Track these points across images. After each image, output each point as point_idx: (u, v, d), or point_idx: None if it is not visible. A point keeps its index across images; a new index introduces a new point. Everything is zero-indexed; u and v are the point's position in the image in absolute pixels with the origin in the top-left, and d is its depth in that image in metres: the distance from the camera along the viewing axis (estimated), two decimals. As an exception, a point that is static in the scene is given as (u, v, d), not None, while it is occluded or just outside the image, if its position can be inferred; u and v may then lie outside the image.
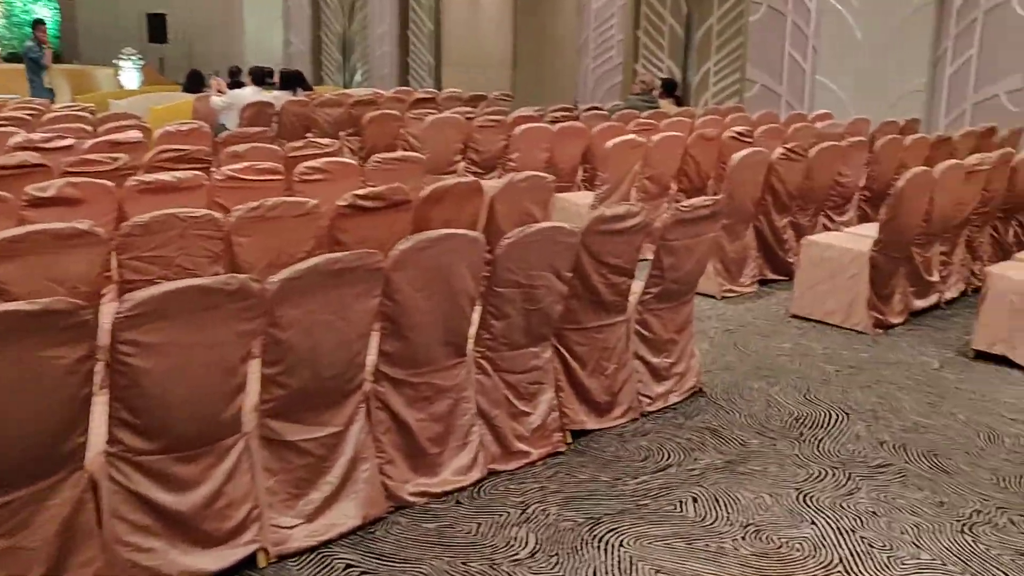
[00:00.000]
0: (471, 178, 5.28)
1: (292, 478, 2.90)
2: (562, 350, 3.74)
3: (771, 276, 6.45)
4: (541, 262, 3.44)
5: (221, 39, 20.07)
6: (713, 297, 5.99)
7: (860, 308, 5.35)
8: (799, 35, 12.19)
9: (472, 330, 3.40)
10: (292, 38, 19.55)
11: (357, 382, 3.04)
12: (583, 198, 6.89)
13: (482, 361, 3.44)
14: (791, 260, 6.46)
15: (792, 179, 6.34)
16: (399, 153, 5.60)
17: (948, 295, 6.00)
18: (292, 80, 10.59)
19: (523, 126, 7.42)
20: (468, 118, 8.56)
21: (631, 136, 6.69)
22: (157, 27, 19.79)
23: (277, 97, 10.27)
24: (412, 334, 3.12)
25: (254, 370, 2.77)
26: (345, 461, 3.00)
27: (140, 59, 17.20)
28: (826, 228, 6.89)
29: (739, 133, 7.52)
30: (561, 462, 3.60)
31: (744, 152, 5.92)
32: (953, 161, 5.57)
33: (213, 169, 5.14)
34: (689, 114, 9.88)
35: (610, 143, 6.60)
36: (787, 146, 6.26)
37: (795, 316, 5.62)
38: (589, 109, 10.09)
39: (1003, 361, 4.83)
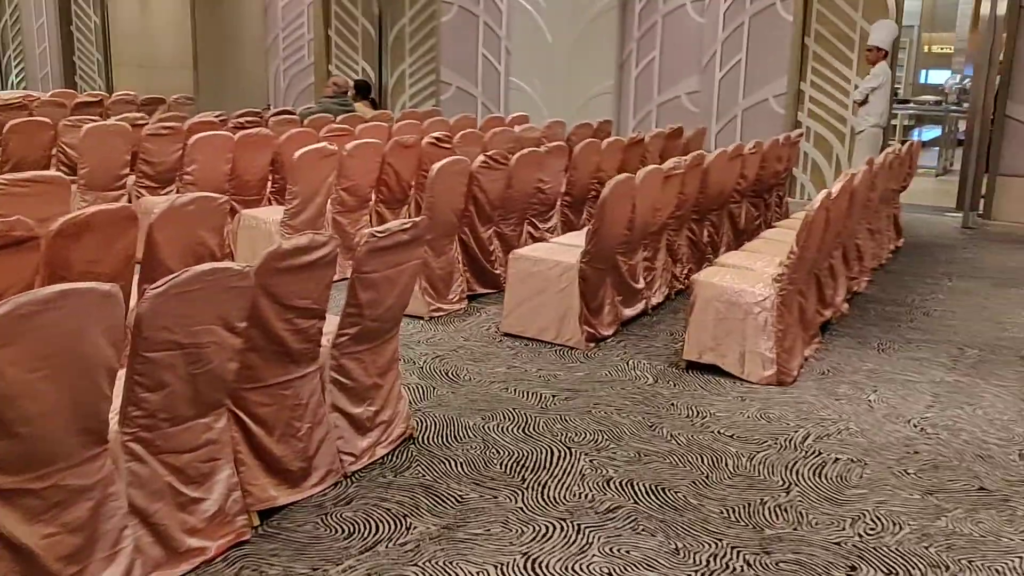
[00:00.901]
0: (122, 204, 4.44)
1: None
2: (241, 415, 3.08)
3: (480, 290, 6.11)
4: (205, 313, 2.77)
5: None
6: (421, 318, 5.54)
7: (572, 323, 5.11)
8: (492, 36, 12.10)
9: (117, 406, 2.67)
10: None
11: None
12: (273, 214, 6.19)
13: (133, 445, 2.71)
14: (499, 272, 6.16)
15: (494, 188, 6.02)
16: (32, 173, 4.60)
17: (654, 300, 5.95)
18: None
19: (200, 134, 6.57)
20: (138, 125, 7.54)
21: (322, 144, 6.08)
22: None
23: None
24: (27, 429, 2.34)
25: None
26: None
27: None
28: (531, 237, 6.67)
29: (438, 139, 7.14)
30: (247, 553, 2.95)
31: (444, 161, 5.51)
32: (652, 167, 5.49)
33: None
34: (386, 117, 9.42)
35: (298, 153, 5.95)
36: (488, 153, 5.93)
37: (507, 335, 5.30)
38: (279, 113, 9.33)
39: (713, 370, 4.76)
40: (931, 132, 16.94)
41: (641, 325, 5.64)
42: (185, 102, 11.53)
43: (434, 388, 4.47)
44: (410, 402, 4.20)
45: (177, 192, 6.53)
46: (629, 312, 5.61)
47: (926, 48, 21.43)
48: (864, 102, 9.26)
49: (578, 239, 5.61)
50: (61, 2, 15.39)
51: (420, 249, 3.71)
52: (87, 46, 15.45)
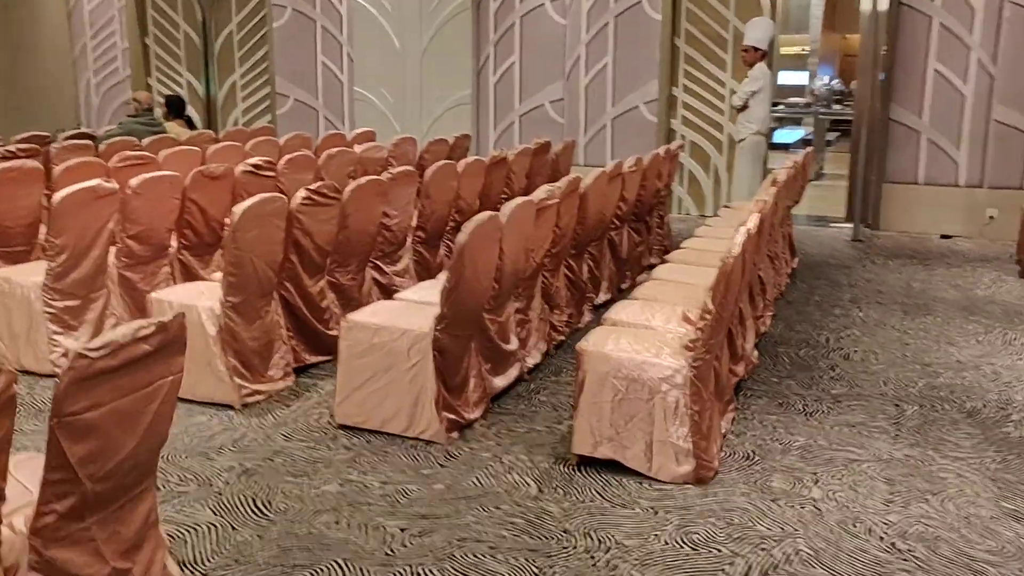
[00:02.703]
0: None
1: None
2: None
3: (311, 359, 4.83)
4: None
5: None
6: (229, 408, 4.24)
7: (427, 409, 3.91)
8: (332, 42, 10.80)
9: None
10: None
11: None
12: (32, 273, 4.73)
13: None
14: (334, 332, 4.89)
15: (323, 229, 4.76)
16: None
17: (530, 361, 4.81)
18: None
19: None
20: None
21: (95, 182, 4.67)
22: None
23: None
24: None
25: None
26: None
27: None
28: (377, 285, 5.43)
29: (256, 166, 5.81)
30: None
31: (250, 202, 4.22)
32: (521, 200, 4.34)
33: None
34: (205, 139, 7.99)
35: (59, 194, 4.53)
36: (312, 187, 4.66)
37: (344, 427, 4.05)
38: (76, 136, 7.77)
39: (612, 466, 3.65)
40: (793, 134, 16.51)
41: (516, 398, 4.48)
42: (-33, 125, 9.74)
43: (234, 530, 3.18)
44: (195, 564, 2.91)
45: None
46: (500, 382, 4.44)
47: (781, 49, 21.24)
48: (744, 107, 8.42)
49: (432, 292, 4.41)
50: None
51: (177, 361, 2.42)
52: None
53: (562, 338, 5.27)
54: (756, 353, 4.98)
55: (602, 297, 6.10)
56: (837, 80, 16.23)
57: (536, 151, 7.42)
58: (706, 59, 9.46)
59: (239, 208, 4.14)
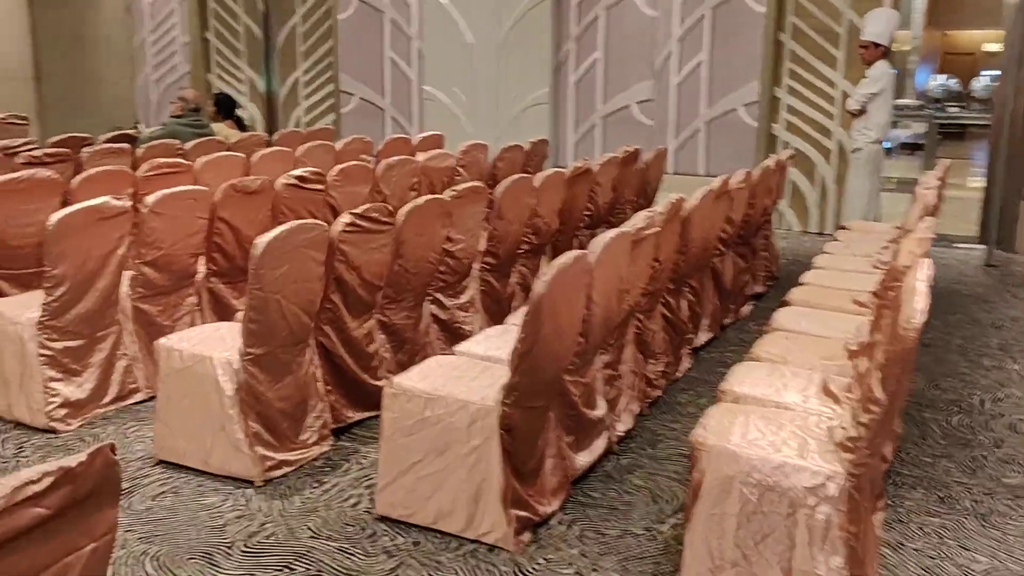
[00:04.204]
0: None
1: None
2: None
3: (354, 416, 4.00)
4: None
5: None
6: (249, 484, 3.42)
7: (492, 505, 3.03)
8: (400, 36, 10.00)
9: None
10: None
11: None
12: (27, 307, 3.96)
13: None
14: (384, 382, 4.06)
15: (372, 260, 3.92)
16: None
17: (621, 428, 3.90)
18: None
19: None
20: None
21: (101, 200, 3.91)
22: None
23: None
24: None
25: None
26: None
27: None
28: (437, 321, 4.58)
29: (300, 179, 5.01)
30: None
31: (276, 233, 3.39)
32: (615, 233, 3.43)
33: None
34: (256, 142, 7.25)
35: (56, 216, 3.77)
36: (358, 211, 3.82)
37: (386, 519, 3.20)
38: (116, 138, 7.10)
39: (736, 600, 2.72)
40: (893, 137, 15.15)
41: (604, 479, 3.58)
42: (16, 123, 9.18)
43: None
44: None
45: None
46: (584, 459, 3.54)
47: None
48: (861, 112, 7.36)
49: (501, 342, 3.55)
50: None
51: (106, 514, 1.57)
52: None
53: (658, 393, 4.35)
54: (897, 420, 3.99)
55: (703, 337, 5.16)
56: (955, 80, 14.87)
57: (624, 160, 6.49)
58: (815, 56, 8.40)
59: (262, 240, 3.31)
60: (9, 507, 1.34)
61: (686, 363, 4.80)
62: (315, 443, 3.71)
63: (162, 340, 3.61)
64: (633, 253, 3.70)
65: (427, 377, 3.22)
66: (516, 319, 3.98)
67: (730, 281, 5.61)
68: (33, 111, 10.35)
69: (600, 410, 3.68)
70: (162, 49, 11.63)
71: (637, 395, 4.12)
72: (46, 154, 5.82)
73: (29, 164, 5.59)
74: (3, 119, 9.10)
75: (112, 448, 1.51)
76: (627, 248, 3.60)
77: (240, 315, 3.53)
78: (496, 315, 5.00)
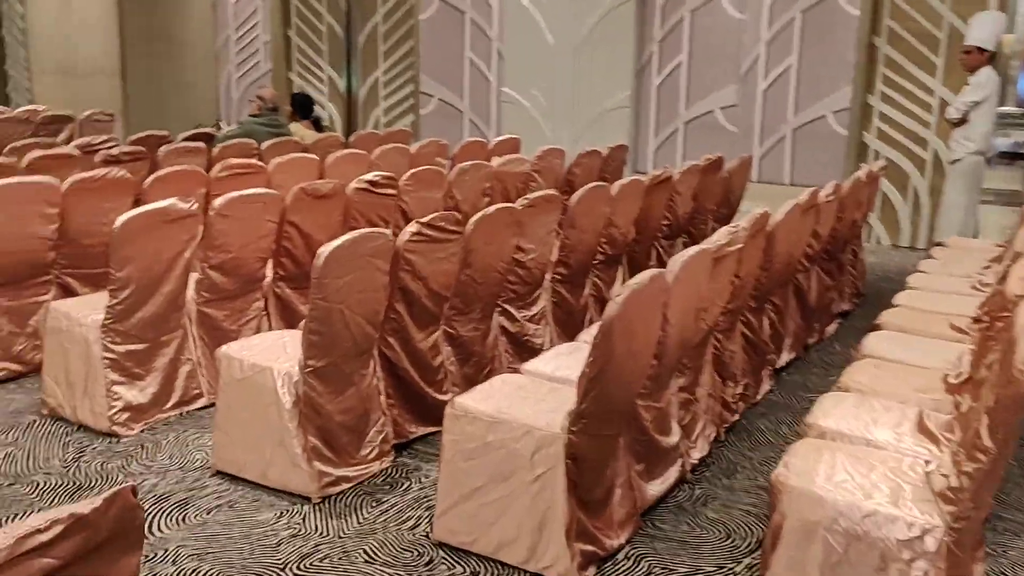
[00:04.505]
0: None
1: None
2: None
3: (416, 431, 3.86)
4: None
5: None
6: (307, 500, 3.31)
7: (555, 537, 2.85)
8: (480, 37, 9.89)
9: None
10: None
11: None
12: (92, 308, 3.91)
13: None
14: (449, 397, 3.92)
15: (439, 270, 3.78)
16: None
17: (695, 455, 3.68)
18: None
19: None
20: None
21: (168, 203, 3.85)
22: None
23: None
24: None
25: None
26: None
27: None
28: (506, 333, 4.42)
29: (372, 183, 4.90)
30: None
31: (340, 242, 3.26)
32: (695, 250, 3.23)
33: None
34: (332, 143, 7.21)
35: (121, 220, 3.72)
36: (426, 220, 3.68)
37: (444, 546, 3.05)
38: (194, 136, 7.13)
39: (818, 657, 2.49)
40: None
41: (676, 511, 3.37)
42: (102, 119, 9.34)
43: None
44: None
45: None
46: (656, 489, 3.34)
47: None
48: (962, 121, 6.98)
49: (571, 361, 3.37)
50: (-11, 1, 13.24)
51: (129, 560, 1.45)
52: (18, 50, 13.27)
53: (736, 418, 4.12)
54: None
55: (785, 358, 4.89)
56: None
57: (706, 169, 6.24)
58: (911, 62, 8.01)
59: (325, 250, 3.19)
60: (13, 558, 1.21)
61: (766, 385, 4.55)
62: (375, 459, 3.59)
63: (223, 348, 3.53)
64: (714, 270, 3.49)
65: (491, 398, 3.06)
66: (589, 336, 3.80)
67: (815, 298, 5.33)
68: (119, 108, 10.56)
69: (674, 436, 3.48)
70: (245, 47, 11.73)
71: (713, 420, 3.90)
72: (123, 152, 5.85)
73: (107, 162, 5.62)
74: (89, 115, 9.26)
75: (133, 491, 1.38)
76: (708, 266, 3.39)
77: (304, 321, 3.42)
78: (568, 328, 4.82)
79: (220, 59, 11.81)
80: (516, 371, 3.52)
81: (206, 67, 11.64)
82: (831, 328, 5.60)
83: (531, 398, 3.07)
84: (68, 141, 7.92)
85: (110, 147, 6.20)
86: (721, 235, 3.58)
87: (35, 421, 3.97)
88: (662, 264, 5.93)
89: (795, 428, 4.10)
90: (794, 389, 4.62)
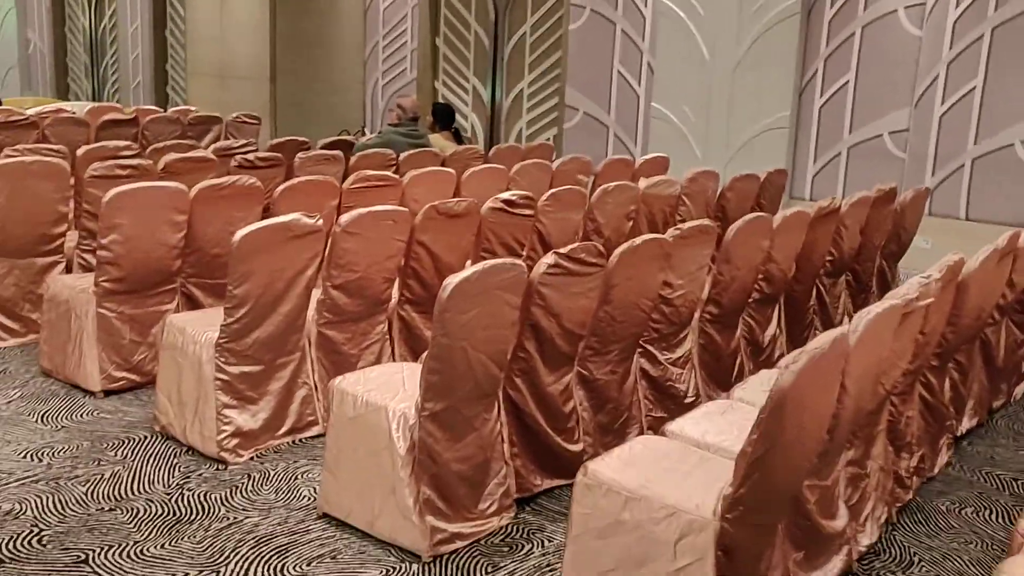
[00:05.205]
0: None
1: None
2: None
3: (542, 484, 3.48)
4: None
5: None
6: (416, 559, 2.97)
7: (697, 639, 2.41)
8: (631, 49, 9.46)
9: None
10: (31, 34, 15.65)
11: None
12: (208, 325, 3.70)
13: None
14: (580, 447, 3.55)
15: (576, 306, 3.39)
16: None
17: (864, 541, 3.15)
18: None
19: (126, 186, 4.18)
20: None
21: (291, 218, 3.60)
22: None
23: None
24: None
25: None
26: None
27: None
28: (646, 377, 3.99)
29: (508, 202, 4.56)
30: None
31: (468, 274, 2.91)
32: (884, 306, 2.72)
33: None
34: (471, 155, 6.93)
35: (241, 233, 3.49)
36: (564, 251, 3.29)
37: (565, 632, 2.65)
38: (333, 144, 6.99)
39: None
40: None
41: (839, 608, 2.87)
42: (248, 122, 9.40)
43: None
44: None
45: (98, 281, 4.18)
46: (816, 582, 2.85)
47: None
48: None
49: (727, 422, 2.91)
50: (156, 3, 13.71)
51: None
52: (179, 52, 13.69)
53: (910, 496, 3.56)
54: None
55: (966, 424, 4.27)
56: None
57: (877, 200, 5.63)
58: (1118, 88, 7.13)
59: (451, 281, 2.85)
60: None
61: (944, 457, 3.95)
62: (495, 513, 3.22)
63: (336, 381, 3.24)
64: (899, 327, 2.97)
65: (630, 467, 2.64)
66: (746, 393, 3.34)
67: (1002, 356, 4.66)
68: (268, 111, 10.65)
69: (840, 520, 2.97)
70: (392, 54, 11.67)
71: (884, 499, 3.36)
72: (259, 158, 5.71)
73: (241, 167, 5.50)
74: (236, 118, 9.33)
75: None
76: (895, 324, 2.87)
77: (424, 356, 3.09)
78: (716, 373, 4.35)
79: (368, 65, 11.79)
80: (659, 431, 3.09)
81: (355, 73, 11.63)
82: (1020, 389, 4.91)
83: (677, 470, 2.64)
84: (214, 143, 7.93)
85: (248, 151, 6.08)
86: (911, 287, 3.05)
87: (146, 438, 3.79)
88: (823, 305, 5.42)
89: (981, 512, 3.51)
90: (978, 463, 4.01)
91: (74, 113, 8.51)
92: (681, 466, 2.67)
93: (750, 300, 4.60)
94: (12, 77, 15.57)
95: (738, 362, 4.53)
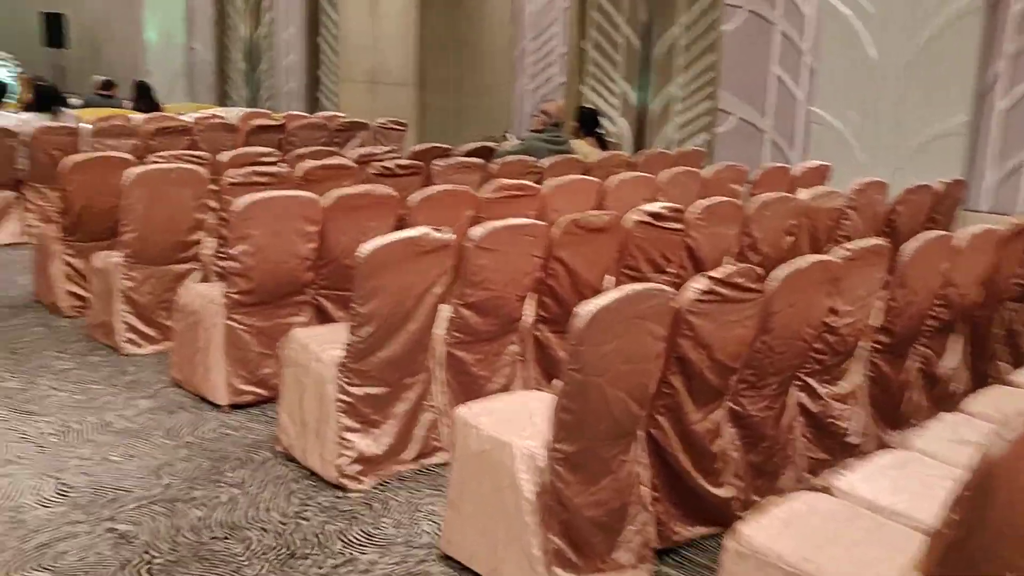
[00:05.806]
0: None
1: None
2: None
3: (685, 532, 3.12)
4: None
5: (122, 43, 16.91)
6: (540, 615, 2.67)
7: None
8: (790, 51, 8.90)
9: None
10: (195, 43, 16.31)
11: None
12: (331, 343, 3.50)
13: None
14: (729, 491, 3.17)
15: (729, 336, 3.02)
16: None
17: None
18: (46, 97, 7.33)
19: (256, 195, 4.07)
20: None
21: (420, 232, 3.37)
22: (54, 29, 16.27)
23: (25, 121, 7.05)
24: None
25: None
26: None
27: (18, 67, 14.01)
28: (805, 413, 3.56)
29: (655, 215, 4.20)
30: None
31: (609, 300, 2.59)
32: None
33: None
34: (617, 162, 6.60)
35: (367, 248, 3.28)
36: (718, 274, 2.93)
37: None
38: (475, 151, 6.80)
39: None
40: None
41: None
42: (395, 128, 9.37)
43: None
44: None
45: (227, 292, 4.08)
46: None
47: None
48: None
49: (906, 478, 2.49)
50: (309, 10, 13.99)
51: None
52: (331, 58, 13.90)
53: None
54: None
55: None
56: None
57: (1076, 216, 4.96)
58: None
59: (588, 309, 2.54)
60: None
61: None
62: (631, 565, 2.89)
63: (461, 410, 2.98)
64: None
65: (789, 532, 2.26)
66: (925, 442, 2.89)
67: None
68: (415, 117, 10.60)
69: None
70: (540, 59, 11.45)
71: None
72: (399, 165, 5.56)
73: (380, 175, 5.36)
74: (382, 124, 9.31)
75: None
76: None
77: (555, 386, 2.79)
78: (885, 409, 3.88)
79: (516, 69, 11.61)
80: (823, 487, 2.68)
81: (503, 78, 11.47)
82: None
83: (845, 538, 2.24)
84: (359, 149, 7.90)
85: (389, 159, 5.95)
86: None
87: (268, 460, 3.64)
88: (1011, 335, 4.81)
89: None
90: None
91: (225, 119, 8.68)
92: (850, 533, 2.27)
93: (925, 328, 4.09)
94: (180, 85, 16.25)
95: (908, 396, 4.03)
